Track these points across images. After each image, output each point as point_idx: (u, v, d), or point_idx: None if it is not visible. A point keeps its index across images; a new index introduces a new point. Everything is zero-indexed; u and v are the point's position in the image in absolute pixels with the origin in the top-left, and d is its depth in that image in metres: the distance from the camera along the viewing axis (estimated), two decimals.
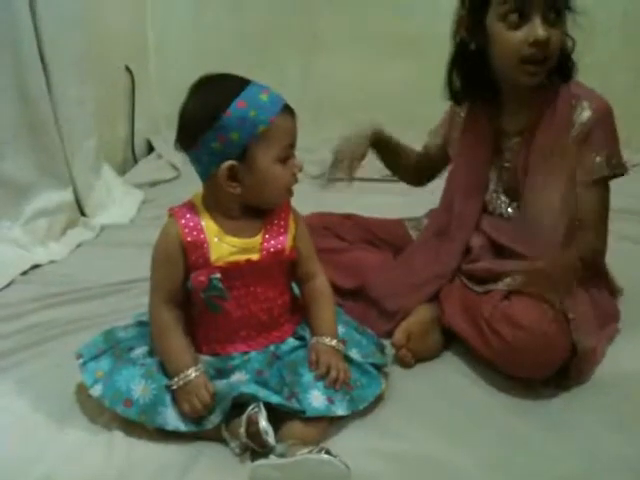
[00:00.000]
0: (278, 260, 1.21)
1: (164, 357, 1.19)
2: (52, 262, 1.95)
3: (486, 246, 1.47)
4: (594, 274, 1.43)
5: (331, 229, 1.57)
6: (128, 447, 1.14)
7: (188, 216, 1.18)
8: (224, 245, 1.17)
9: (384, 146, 1.61)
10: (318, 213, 1.62)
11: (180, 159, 2.55)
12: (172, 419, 1.14)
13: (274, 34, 3.01)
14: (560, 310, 1.24)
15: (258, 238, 1.19)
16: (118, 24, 2.80)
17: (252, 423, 1.09)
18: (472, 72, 1.42)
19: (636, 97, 2.58)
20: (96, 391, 1.17)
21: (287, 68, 2.99)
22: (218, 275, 1.15)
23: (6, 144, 1.99)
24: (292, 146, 1.17)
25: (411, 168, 1.69)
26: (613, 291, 1.49)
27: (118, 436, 1.16)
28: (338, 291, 1.42)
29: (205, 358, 1.21)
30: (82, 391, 1.23)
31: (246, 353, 1.21)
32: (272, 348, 1.22)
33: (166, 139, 2.86)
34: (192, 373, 1.14)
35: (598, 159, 1.35)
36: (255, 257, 1.18)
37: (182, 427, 1.14)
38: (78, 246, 2.10)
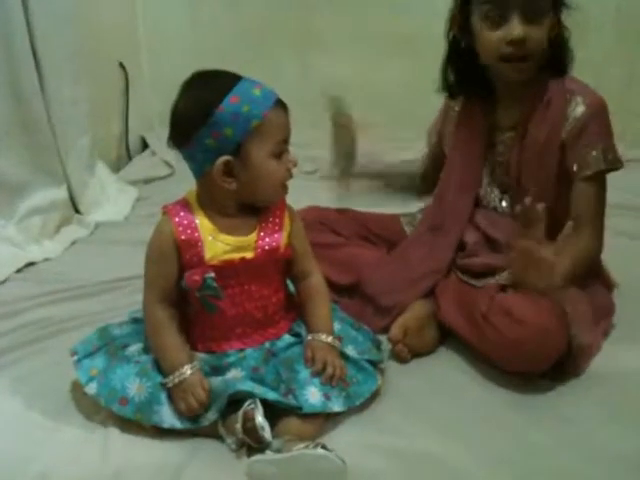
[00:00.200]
0: (273, 258, 1.20)
1: (159, 355, 1.19)
2: (46, 260, 1.95)
3: (481, 241, 1.47)
4: (590, 269, 1.43)
5: (327, 224, 1.57)
6: (124, 444, 1.14)
7: (182, 214, 1.18)
8: (218, 243, 1.17)
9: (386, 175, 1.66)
10: (314, 207, 1.62)
11: (174, 156, 2.52)
12: (168, 417, 1.14)
13: (271, 31, 2.99)
14: (557, 304, 1.24)
15: (253, 236, 1.19)
16: (111, 20, 2.79)
17: (248, 419, 1.09)
18: (465, 68, 1.44)
19: (630, 92, 2.58)
20: (91, 389, 1.17)
21: (283, 65, 2.98)
22: (212, 274, 1.14)
23: None
24: (286, 141, 1.17)
25: (419, 183, 1.68)
26: (609, 286, 1.50)
27: (114, 433, 1.16)
28: (333, 287, 1.42)
29: (200, 355, 1.20)
30: (78, 389, 1.23)
31: (241, 350, 1.21)
32: (267, 345, 1.22)
33: (160, 136, 2.85)
34: (187, 371, 1.14)
35: (594, 153, 1.35)
36: (249, 255, 1.18)
37: (178, 425, 1.14)
38: (72, 244, 2.09)
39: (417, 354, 1.37)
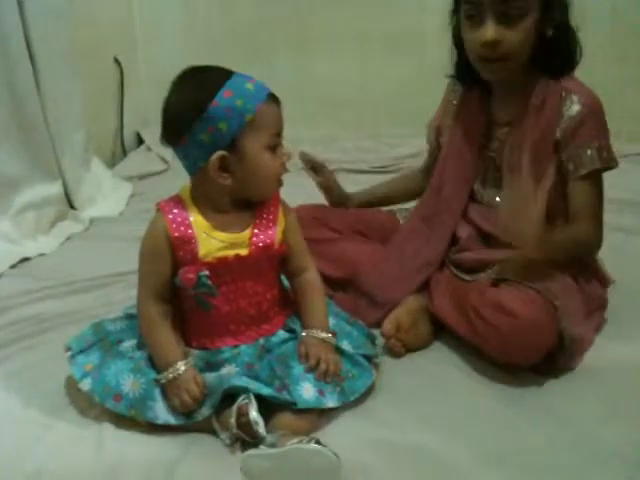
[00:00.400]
0: (267, 255, 1.20)
1: (153, 351, 1.19)
2: (41, 255, 1.95)
3: (474, 235, 1.48)
4: (583, 265, 1.44)
5: (321, 220, 1.57)
6: (119, 440, 1.14)
7: (176, 211, 1.18)
8: (212, 240, 1.16)
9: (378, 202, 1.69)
10: (307, 204, 1.62)
11: (170, 152, 2.54)
12: (162, 413, 1.14)
13: (266, 29, 2.99)
14: (547, 297, 1.24)
15: (247, 233, 1.19)
16: (107, 16, 2.79)
17: (242, 414, 1.09)
18: (460, 62, 1.45)
19: (625, 89, 2.59)
20: (85, 385, 1.18)
21: (278, 63, 2.98)
22: (207, 272, 1.14)
23: None
24: (279, 134, 1.17)
25: (418, 183, 1.67)
26: (603, 281, 1.50)
27: (109, 429, 1.16)
28: (328, 281, 1.43)
29: (194, 352, 1.20)
30: (72, 384, 1.23)
31: (236, 347, 1.21)
32: (262, 341, 1.22)
33: (155, 132, 2.83)
34: (181, 367, 1.14)
35: (589, 152, 1.35)
36: (244, 252, 1.18)
37: (172, 420, 1.14)
38: (67, 239, 2.09)
39: (411, 349, 1.37)
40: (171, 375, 1.14)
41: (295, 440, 1.01)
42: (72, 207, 2.28)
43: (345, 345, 1.25)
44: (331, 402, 1.16)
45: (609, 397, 1.22)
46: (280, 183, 1.21)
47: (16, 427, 1.19)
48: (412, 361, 1.36)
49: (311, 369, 1.17)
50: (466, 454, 1.09)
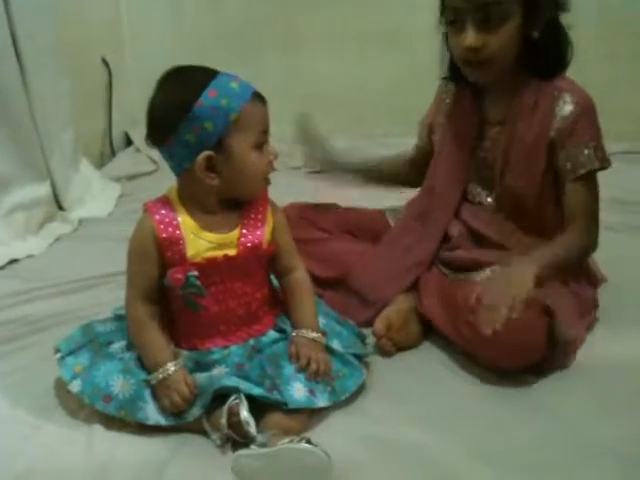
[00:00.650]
0: (256, 255, 1.20)
1: (142, 352, 1.18)
2: (30, 256, 1.94)
3: (465, 234, 1.48)
4: (574, 266, 1.44)
5: (309, 219, 1.57)
6: (109, 441, 1.14)
7: (163, 212, 1.17)
8: (201, 241, 1.16)
9: (365, 170, 1.67)
10: (296, 204, 1.62)
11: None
12: (152, 414, 1.14)
13: (254, 28, 2.99)
14: (537, 300, 1.24)
15: (235, 233, 1.19)
16: (95, 16, 2.78)
17: (233, 414, 1.09)
18: (455, 62, 1.45)
19: (614, 87, 2.60)
20: (75, 387, 1.17)
21: (267, 63, 2.98)
22: (195, 272, 1.14)
23: None
24: (266, 133, 1.17)
25: (405, 172, 1.68)
26: (593, 281, 1.50)
27: (99, 430, 1.16)
28: (317, 281, 1.42)
29: (184, 352, 1.20)
30: (61, 386, 1.23)
31: (226, 347, 1.20)
32: (252, 342, 1.22)
33: (144, 132, 2.84)
34: (171, 367, 1.14)
35: (587, 152, 1.35)
36: (232, 252, 1.17)
37: (163, 421, 1.13)
38: (56, 240, 2.08)
39: (402, 348, 1.37)
40: (161, 376, 1.14)
41: (286, 440, 1.01)
42: (61, 208, 2.27)
43: (335, 344, 1.25)
44: (322, 402, 1.16)
45: (600, 394, 1.22)
46: (267, 182, 1.21)
47: (5, 427, 1.19)
48: (403, 360, 1.36)
49: (302, 369, 1.17)
50: (457, 452, 1.09)
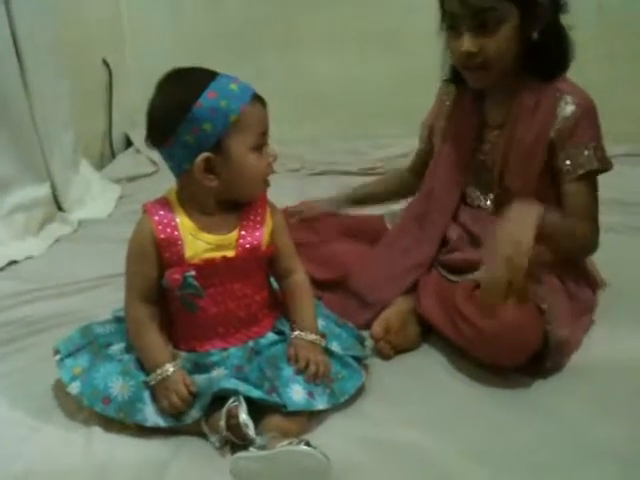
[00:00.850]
0: (254, 256, 1.20)
1: (141, 354, 1.18)
2: (30, 258, 1.94)
3: (463, 237, 1.48)
4: (572, 267, 1.44)
5: (308, 222, 1.57)
6: (108, 443, 1.14)
7: (162, 213, 1.17)
8: (199, 242, 1.16)
9: (358, 201, 1.70)
10: (295, 206, 1.62)
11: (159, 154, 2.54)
12: (151, 415, 1.14)
13: (254, 29, 2.99)
14: (532, 300, 1.24)
15: (234, 234, 1.19)
16: (95, 17, 2.78)
17: (232, 416, 1.09)
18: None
19: (613, 87, 2.60)
20: (74, 389, 1.17)
21: (267, 63, 2.98)
22: (193, 273, 1.14)
23: None
24: (265, 134, 1.17)
25: (407, 184, 1.68)
26: (592, 284, 1.50)
27: (97, 432, 1.16)
28: (316, 282, 1.42)
29: (183, 354, 1.20)
30: (60, 387, 1.23)
31: (225, 349, 1.20)
32: (251, 344, 1.22)
33: (144, 134, 2.84)
34: (170, 368, 1.14)
35: (586, 152, 1.35)
36: (231, 254, 1.18)
37: (161, 423, 1.13)
38: (56, 241, 2.08)
39: (400, 350, 1.37)
40: (159, 377, 1.14)
41: (285, 442, 1.01)
42: (60, 209, 2.27)
43: (334, 346, 1.25)
44: (321, 404, 1.16)
45: (599, 395, 1.22)
46: (267, 184, 1.21)
47: (5, 429, 1.19)
48: (402, 362, 1.36)
49: (300, 371, 1.17)
50: (455, 453, 1.09)
